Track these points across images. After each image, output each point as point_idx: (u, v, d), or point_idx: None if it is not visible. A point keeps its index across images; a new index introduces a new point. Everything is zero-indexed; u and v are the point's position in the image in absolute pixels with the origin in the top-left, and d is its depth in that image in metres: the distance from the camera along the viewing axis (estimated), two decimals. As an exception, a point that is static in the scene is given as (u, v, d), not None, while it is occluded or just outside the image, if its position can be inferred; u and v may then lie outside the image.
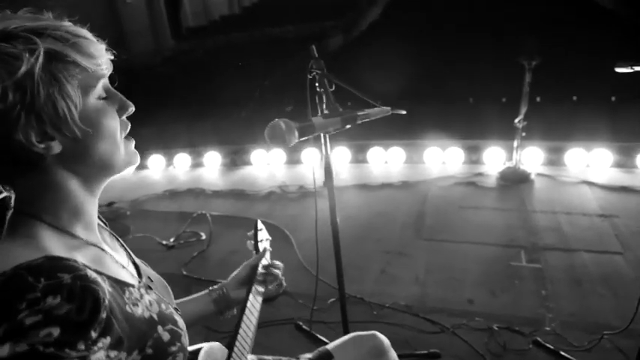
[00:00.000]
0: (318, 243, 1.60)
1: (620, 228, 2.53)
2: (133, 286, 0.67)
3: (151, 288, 0.73)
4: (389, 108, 0.87)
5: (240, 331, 0.88)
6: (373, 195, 3.26)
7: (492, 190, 3.14)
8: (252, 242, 1.13)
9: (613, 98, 3.79)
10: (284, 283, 1.07)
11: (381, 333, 1.05)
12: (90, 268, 0.58)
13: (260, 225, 1.17)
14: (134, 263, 0.77)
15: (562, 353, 1.70)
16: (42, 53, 0.56)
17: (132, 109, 0.68)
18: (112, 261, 0.69)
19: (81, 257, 0.62)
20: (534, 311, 1.96)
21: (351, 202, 3.13)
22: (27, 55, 0.55)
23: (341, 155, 3.72)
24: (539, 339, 1.78)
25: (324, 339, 1.85)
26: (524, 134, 3.07)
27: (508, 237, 2.53)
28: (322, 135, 1.39)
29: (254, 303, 0.98)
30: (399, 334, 1.88)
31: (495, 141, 3.48)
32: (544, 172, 3.26)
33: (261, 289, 1.03)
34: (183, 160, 3.96)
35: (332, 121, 0.77)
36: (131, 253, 0.79)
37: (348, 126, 0.80)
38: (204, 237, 2.78)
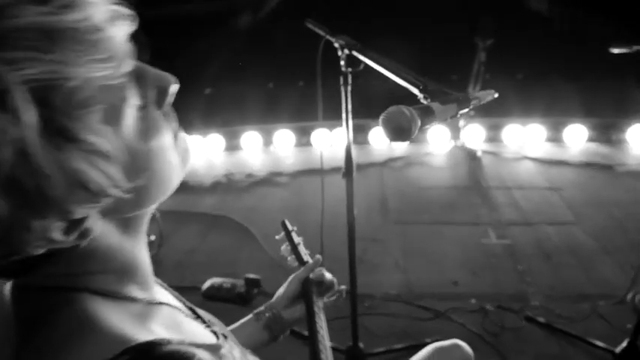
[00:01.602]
0: (322, 238, 1.52)
1: (569, 200, 2.76)
2: (220, 346, 0.52)
3: (226, 337, 0.58)
4: (493, 90, 0.81)
5: (323, 357, 0.78)
6: (327, 180, 3.20)
7: (445, 169, 3.26)
8: (288, 247, 1.00)
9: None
10: (344, 294, 0.97)
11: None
12: (184, 343, 0.42)
13: (289, 225, 1.04)
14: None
15: (555, 326, 1.81)
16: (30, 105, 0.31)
17: (174, 86, 0.44)
18: (184, 316, 0.54)
19: (157, 326, 0.45)
20: (516, 287, 2.07)
21: (305, 188, 3.05)
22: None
23: (284, 138, 3.60)
24: (530, 314, 1.87)
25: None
26: (472, 113, 3.20)
27: (473, 215, 2.64)
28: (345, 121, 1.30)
29: (320, 322, 0.87)
30: (395, 325, 1.87)
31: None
32: (488, 149, 3.45)
33: (321, 303, 0.92)
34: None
35: (450, 106, 0.70)
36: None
37: (462, 112, 0.73)
38: (153, 238, 2.53)
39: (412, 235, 2.49)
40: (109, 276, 0.44)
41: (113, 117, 0.36)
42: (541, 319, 1.85)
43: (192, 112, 3.69)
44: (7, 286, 0.45)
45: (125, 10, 0.37)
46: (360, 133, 3.64)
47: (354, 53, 1.04)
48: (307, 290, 0.91)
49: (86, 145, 0.34)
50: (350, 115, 1.25)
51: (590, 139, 3.44)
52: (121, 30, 0.36)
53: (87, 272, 0.43)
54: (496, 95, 0.79)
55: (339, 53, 1.14)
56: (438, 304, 1.96)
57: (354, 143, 1.39)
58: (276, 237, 1.01)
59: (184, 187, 3.22)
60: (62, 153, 0.33)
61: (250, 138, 3.57)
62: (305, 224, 1.19)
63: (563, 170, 3.14)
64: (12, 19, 0.30)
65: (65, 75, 0.32)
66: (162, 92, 0.43)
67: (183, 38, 6.44)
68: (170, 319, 0.50)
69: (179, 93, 0.46)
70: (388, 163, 3.35)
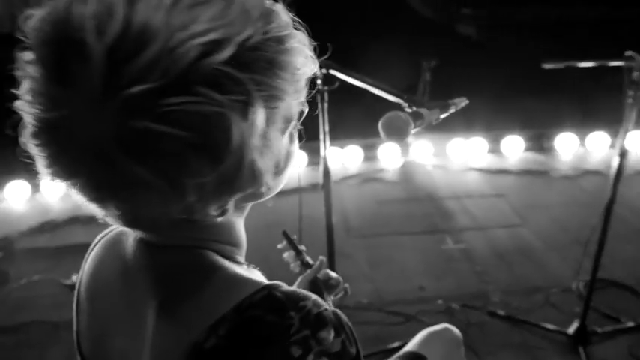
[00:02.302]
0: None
1: (513, 204, 3.03)
2: None
3: None
4: (464, 98, 0.95)
5: None
6: (286, 201, 3.29)
7: (398, 184, 3.45)
8: (292, 254, 1.09)
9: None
10: (349, 291, 1.06)
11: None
12: None
13: (290, 235, 1.13)
14: None
15: (515, 317, 1.99)
16: (255, 111, 0.42)
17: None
18: None
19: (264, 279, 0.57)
20: (477, 286, 2.25)
21: (267, 208, 3.12)
22: (236, 123, 0.41)
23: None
24: (492, 309, 2.05)
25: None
26: (420, 130, 3.43)
27: (429, 224, 2.83)
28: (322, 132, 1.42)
29: None
30: (366, 332, 1.97)
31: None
32: (436, 163, 3.69)
33: (330, 301, 1.01)
34: (54, 185, 3.45)
35: (434, 111, 0.82)
36: None
37: (443, 116, 0.86)
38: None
39: (376, 247, 2.62)
40: (226, 246, 0.56)
41: (286, 126, 0.49)
42: (502, 313, 2.03)
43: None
44: (129, 245, 0.57)
45: (313, 56, 0.50)
46: (315, 155, 3.77)
47: (332, 72, 1.17)
48: (318, 289, 1.00)
49: (272, 145, 0.47)
50: (327, 131, 1.37)
51: (527, 149, 3.77)
52: (309, 70, 0.49)
53: (211, 239, 0.54)
54: (467, 102, 0.94)
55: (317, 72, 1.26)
56: (407, 309, 2.09)
57: (308, 165, 1.51)
58: (278, 246, 1.09)
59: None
60: (262, 151, 0.45)
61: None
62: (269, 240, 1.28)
63: (506, 178, 3.42)
64: (262, 52, 0.42)
65: (281, 98, 0.45)
66: (303, 111, 0.54)
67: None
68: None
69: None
70: (344, 181, 3.50)
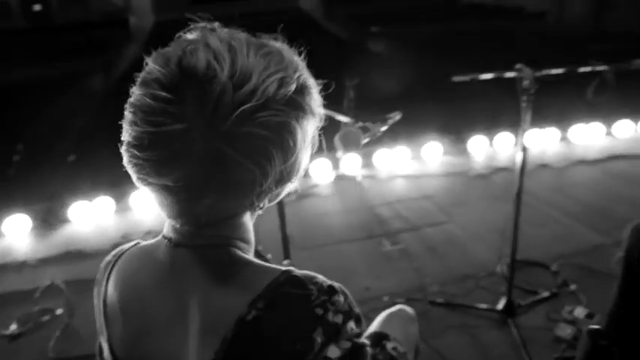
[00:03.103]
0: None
1: (439, 204, 3.35)
2: None
3: None
4: (399, 111, 1.13)
5: None
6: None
7: (333, 196, 3.66)
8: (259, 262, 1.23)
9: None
10: None
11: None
12: None
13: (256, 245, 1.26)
14: None
15: (453, 303, 2.24)
16: (307, 123, 0.64)
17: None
18: None
19: None
20: (417, 280, 2.49)
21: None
22: (299, 130, 0.63)
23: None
24: (432, 299, 2.29)
25: None
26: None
27: (367, 230, 3.06)
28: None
29: None
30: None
31: (319, 154, 4.03)
32: (366, 174, 3.96)
33: None
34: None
35: (377, 124, 1.00)
36: None
37: (384, 128, 1.03)
38: (60, 312, 2.45)
39: (320, 257, 2.80)
40: (244, 244, 0.71)
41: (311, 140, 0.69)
42: (441, 300, 2.28)
43: (56, 181, 3.64)
44: (162, 253, 0.70)
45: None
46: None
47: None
48: None
49: (309, 150, 0.68)
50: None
51: (445, 153, 4.15)
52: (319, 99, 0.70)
53: (235, 237, 0.69)
54: (401, 115, 1.14)
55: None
56: (356, 306, 2.27)
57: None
58: None
59: (81, 256, 3.14)
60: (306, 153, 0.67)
61: (142, 196, 3.59)
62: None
63: (430, 181, 3.77)
64: (307, 85, 0.66)
65: (314, 115, 0.66)
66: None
67: (33, 104, 6.15)
68: None
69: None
70: (282, 198, 3.65)
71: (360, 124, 1.03)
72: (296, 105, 0.61)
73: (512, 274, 2.11)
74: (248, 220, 0.72)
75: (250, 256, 0.71)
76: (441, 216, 3.19)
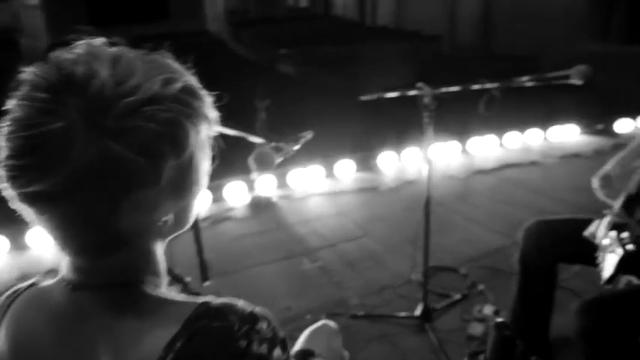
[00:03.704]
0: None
1: (355, 219, 3.45)
2: None
3: None
4: (311, 131, 1.16)
5: None
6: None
7: (250, 219, 3.64)
8: (179, 287, 1.20)
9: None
10: None
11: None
12: None
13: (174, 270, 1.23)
14: None
15: (374, 314, 2.31)
16: (199, 125, 0.61)
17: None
18: None
19: None
20: (337, 295, 2.54)
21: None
22: (191, 128, 0.60)
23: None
24: (354, 313, 2.34)
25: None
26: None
27: (285, 250, 3.07)
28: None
29: None
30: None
31: (235, 176, 3.99)
32: (281, 194, 3.98)
33: None
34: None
35: (290, 144, 1.02)
36: None
37: (296, 147, 1.05)
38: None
39: (239, 281, 2.75)
40: (153, 277, 0.66)
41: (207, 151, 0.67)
42: (362, 313, 2.34)
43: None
44: (58, 295, 0.63)
45: None
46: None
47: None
48: None
49: (206, 157, 0.66)
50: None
51: (357, 170, 4.30)
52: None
53: (141, 270, 0.64)
54: (313, 134, 1.18)
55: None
56: (280, 330, 2.26)
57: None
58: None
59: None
60: (203, 159, 0.65)
61: (38, 235, 3.31)
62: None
63: (344, 198, 3.87)
64: (196, 88, 0.64)
65: (210, 121, 0.65)
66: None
67: None
68: None
69: None
70: (194, 220, 3.55)
71: (273, 144, 1.05)
72: (185, 103, 0.60)
73: (427, 281, 2.22)
74: (156, 247, 0.66)
75: (162, 290, 0.66)
76: (357, 231, 3.29)
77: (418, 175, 4.20)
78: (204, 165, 0.66)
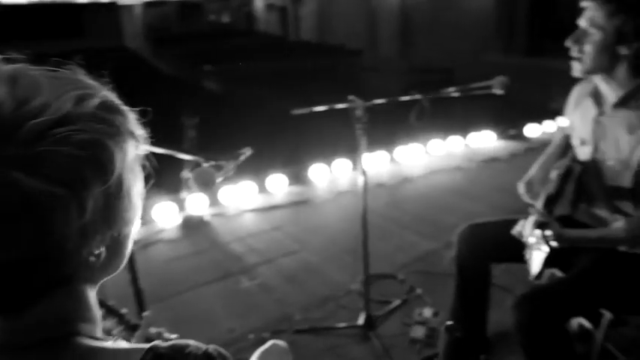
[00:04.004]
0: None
1: (290, 233, 3.43)
2: None
3: None
4: (249, 147, 1.13)
5: None
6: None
7: (182, 240, 3.50)
8: (114, 320, 1.12)
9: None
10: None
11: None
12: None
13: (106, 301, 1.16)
14: None
15: (318, 327, 2.30)
16: (124, 144, 0.54)
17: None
18: None
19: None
20: (280, 312, 2.50)
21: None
22: (116, 148, 0.53)
23: None
24: (298, 328, 2.32)
25: None
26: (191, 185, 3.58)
27: (222, 270, 2.98)
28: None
29: None
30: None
31: (164, 196, 3.84)
32: (214, 212, 3.88)
33: None
34: None
35: (230, 162, 0.98)
36: None
37: (236, 164, 1.02)
38: None
39: (177, 306, 2.63)
40: (88, 325, 0.58)
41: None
42: (306, 327, 2.32)
43: None
44: None
45: None
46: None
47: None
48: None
49: (138, 181, 0.59)
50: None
51: (290, 184, 4.30)
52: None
53: (76, 319, 0.56)
54: (252, 151, 1.16)
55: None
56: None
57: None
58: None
59: None
60: (134, 182, 0.57)
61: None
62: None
63: (278, 212, 3.85)
64: (117, 104, 0.58)
65: (137, 139, 0.60)
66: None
67: None
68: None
69: None
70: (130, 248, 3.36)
71: (213, 162, 1.02)
72: (105, 121, 0.53)
73: (368, 289, 2.25)
74: (87, 290, 0.58)
75: (100, 338, 0.59)
76: (294, 245, 3.27)
77: (350, 185, 4.28)
78: (136, 188, 0.59)
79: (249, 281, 2.83)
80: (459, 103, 2.58)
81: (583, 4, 1.46)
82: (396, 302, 2.45)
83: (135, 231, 0.64)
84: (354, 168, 4.56)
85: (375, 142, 4.60)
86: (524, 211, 1.72)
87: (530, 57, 9.57)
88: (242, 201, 4.05)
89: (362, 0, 12.74)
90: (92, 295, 0.60)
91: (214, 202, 4.01)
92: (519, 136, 5.41)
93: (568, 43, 1.50)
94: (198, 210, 3.81)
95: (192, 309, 2.60)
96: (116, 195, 0.54)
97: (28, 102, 0.49)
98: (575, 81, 1.74)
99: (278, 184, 4.24)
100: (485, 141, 5.28)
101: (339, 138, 5.31)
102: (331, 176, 4.51)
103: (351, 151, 4.71)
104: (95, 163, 0.51)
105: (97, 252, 0.55)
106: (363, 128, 2.02)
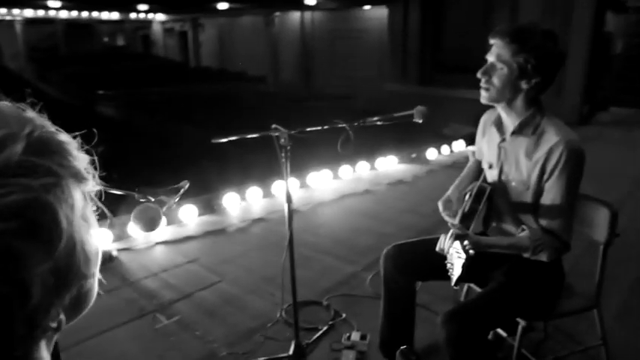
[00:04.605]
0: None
1: (207, 265, 3.32)
2: None
3: None
4: (187, 181, 1.07)
5: None
6: None
7: (86, 279, 3.22)
8: None
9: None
10: None
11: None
12: None
13: None
14: None
15: (245, 361, 2.23)
16: (69, 191, 0.45)
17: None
18: None
19: None
20: (204, 349, 2.39)
21: None
22: (58, 204, 0.43)
23: None
24: (224, 364, 2.23)
25: None
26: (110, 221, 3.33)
27: (136, 309, 2.78)
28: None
29: None
30: None
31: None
32: (121, 247, 3.63)
33: None
34: None
35: (172, 196, 0.92)
36: None
37: (176, 200, 0.96)
38: None
39: (88, 354, 2.40)
40: None
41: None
42: (233, 363, 2.23)
43: None
44: None
45: None
46: None
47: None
48: None
49: (92, 225, 0.50)
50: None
51: (201, 213, 4.17)
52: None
53: None
54: (189, 183, 1.12)
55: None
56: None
57: None
58: None
59: None
60: (87, 231, 0.48)
61: None
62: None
63: (192, 244, 3.70)
64: (49, 140, 0.47)
65: (83, 177, 0.50)
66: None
67: None
68: None
69: None
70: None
71: (156, 198, 0.96)
72: (37, 171, 0.42)
73: (297, 317, 2.23)
74: (42, 349, 0.49)
75: None
76: (212, 277, 3.16)
77: (264, 212, 4.27)
78: (91, 233, 0.50)
79: (167, 319, 2.67)
80: (369, 129, 2.71)
81: (491, 41, 1.63)
82: (323, 328, 2.46)
83: (97, 270, 0.58)
84: (264, 195, 4.56)
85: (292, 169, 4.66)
86: (433, 230, 1.84)
87: (423, 86, 10.36)
88: (152, 233, 3.83)
89: (263, 27, 12.95)
90: (45, 354, 0.51)
91: (122, 235, 3.76)
92: (420, 159, 5.79)
93: (478, 74, 1.67)
94: (104, 245, 3.54)
95: (107, 354, 2.38)
96: (69, 258, 0.45)
97: None
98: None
99: (190, 214, 4.09)
100: (390, 164, 5.57)
101: (250, 166, 5.28)
102: (244, 204, 4.46)
103: (262, 178, 4.72)
104: (33, 233, 0.40)
105: (53, 324, 0.47)
106: (287, 156, 2.03)
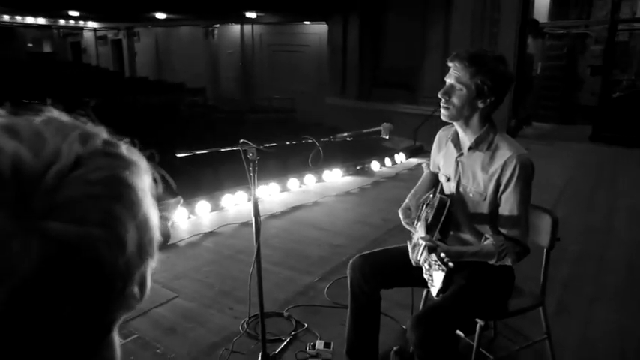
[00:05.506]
0: None
1: (160, 280, 3.25)
2: None
3: None
4: (180, 197, 1.08)
5: None
6: None
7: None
8: None
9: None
10: None
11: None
12: None
13: None
14: None
15: (212, 375, 2.22)
16: (139, 169, 0.52)
17: None
18: None
19: None
20: (166, 366, 2.34)
21: None
22: (133, 180, 0.51)
23: None
24: (189, 379, 2.21)
25: None
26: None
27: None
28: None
29: None
30: None
31: None
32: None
33: None
34: None
35: (171, 212, 0.94)
36: None
37: (174, 212, 0.98)
38: None
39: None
40: None
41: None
42: (199, 378, 2.22)
43: None
44: None
45: None
46: None
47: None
48: None
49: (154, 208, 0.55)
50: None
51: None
52: None
53: None
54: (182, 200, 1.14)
55: None
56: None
57: None
58: None
59: None
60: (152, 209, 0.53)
61: None
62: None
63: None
64: (115, 147, 0.53)
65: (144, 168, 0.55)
66: None
67: None
68: None
69: None
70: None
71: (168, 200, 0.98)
72: (116, 156, 0.51)
73: (264, 329, 2.26)
74: (116, 333, 0.54)
75: None
76: (167, 292, 3.10)
77: (214, 226, 4.24)
78: (155, 216, 0.57)
79: (125, 338, 2.59)
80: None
81: (449, 64, 1.78)
82: (287, 339, 2.51)
83: (155, 257, 0.63)
84: (212, 209, 4.54)
85: (237, 183, 4.66)
86: (384, 241, 1.96)
87: (362, 100, 10.70)
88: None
89: (202, 39, 12.80)
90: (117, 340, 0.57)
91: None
92: (364, 171, 5.99)
93: (439, 94, 1.81)
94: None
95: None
96: (144, 226, 0.53)
97: (41, 150, 0.47)
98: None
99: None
100: (336, 177, 5.72)
101: (199, 179, 5.22)
102: (194, 218, 4.40)
103: (212, 192, 4.68)
104: (120, 198, 0.49)
105: (135, 290, 0.52)
106: (255, 170, 2.08)
